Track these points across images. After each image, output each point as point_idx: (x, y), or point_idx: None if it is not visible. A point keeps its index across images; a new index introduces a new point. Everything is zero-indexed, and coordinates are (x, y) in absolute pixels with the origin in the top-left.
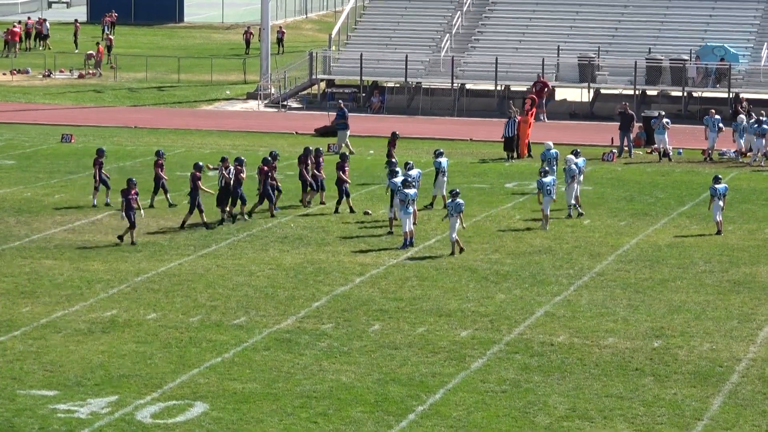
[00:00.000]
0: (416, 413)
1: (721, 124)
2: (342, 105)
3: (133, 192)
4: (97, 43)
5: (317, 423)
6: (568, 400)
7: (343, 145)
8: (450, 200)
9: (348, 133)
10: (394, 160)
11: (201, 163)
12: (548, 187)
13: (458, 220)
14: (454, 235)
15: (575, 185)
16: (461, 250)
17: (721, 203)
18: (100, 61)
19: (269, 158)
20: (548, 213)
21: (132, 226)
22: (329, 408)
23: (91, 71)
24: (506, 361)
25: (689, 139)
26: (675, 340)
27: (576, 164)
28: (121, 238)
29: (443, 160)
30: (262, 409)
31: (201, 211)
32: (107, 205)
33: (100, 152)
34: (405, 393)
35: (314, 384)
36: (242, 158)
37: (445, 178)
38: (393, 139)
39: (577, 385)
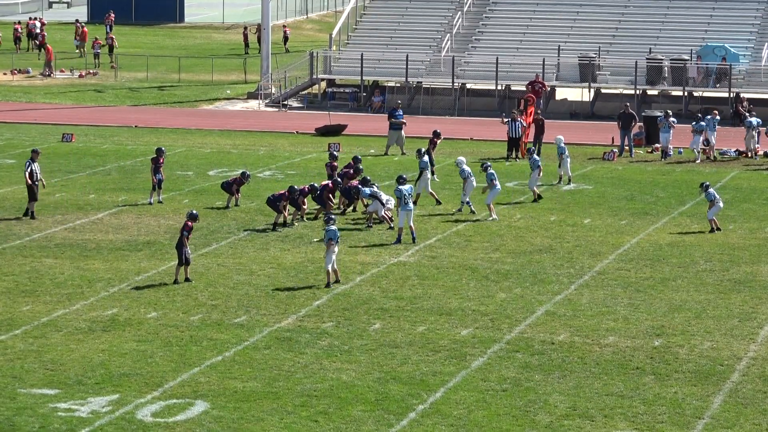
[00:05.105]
0: (417, 412)
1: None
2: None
3: (189, 224)
4: (45, 44)
5: (318, 422)
6: (569, 398)
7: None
8: (325, 227)
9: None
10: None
11: (336, 162)
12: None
13: (335, 248)
14: (329, 266)
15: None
16: (337, 280)
17: (721, 204)
18: (50, 61)
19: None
20: (534, 189)
21: (181, 263)
22: (330, 406)
23: (47, 71)
24: (507, 359)
25: (690, 139)
26: (675, 338)
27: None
28: (176, 281)
29: (427, 159)
30: (263, 408)
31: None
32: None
33: (159, 152)
34: (406, 391)
35: (315, 382)
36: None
37: (429, 176)
38: (434, 138)
39: (577, 384)
